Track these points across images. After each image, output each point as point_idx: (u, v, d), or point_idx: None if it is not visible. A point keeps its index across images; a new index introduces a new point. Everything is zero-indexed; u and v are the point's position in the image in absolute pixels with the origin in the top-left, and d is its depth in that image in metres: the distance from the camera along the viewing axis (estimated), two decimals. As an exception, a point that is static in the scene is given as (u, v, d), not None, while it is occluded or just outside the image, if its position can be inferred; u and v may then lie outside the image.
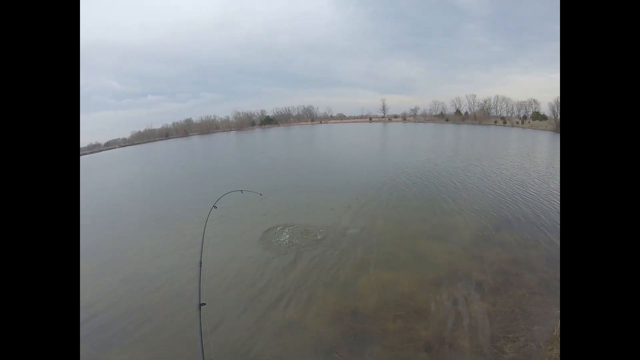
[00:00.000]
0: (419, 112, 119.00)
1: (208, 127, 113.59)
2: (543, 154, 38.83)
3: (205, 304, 3.91)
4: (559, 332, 7.48)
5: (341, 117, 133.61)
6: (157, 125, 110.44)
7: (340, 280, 10.59)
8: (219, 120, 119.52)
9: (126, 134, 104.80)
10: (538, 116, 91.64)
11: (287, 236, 14.44)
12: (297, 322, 8.74)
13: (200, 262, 5.05)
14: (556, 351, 7.01)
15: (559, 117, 68.62)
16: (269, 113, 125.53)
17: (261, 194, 13.91)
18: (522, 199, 18.24)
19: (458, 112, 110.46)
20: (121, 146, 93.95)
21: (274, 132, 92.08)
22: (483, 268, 10.62)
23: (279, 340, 8.12)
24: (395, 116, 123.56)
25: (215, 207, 8.31)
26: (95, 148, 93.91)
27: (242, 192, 11.52)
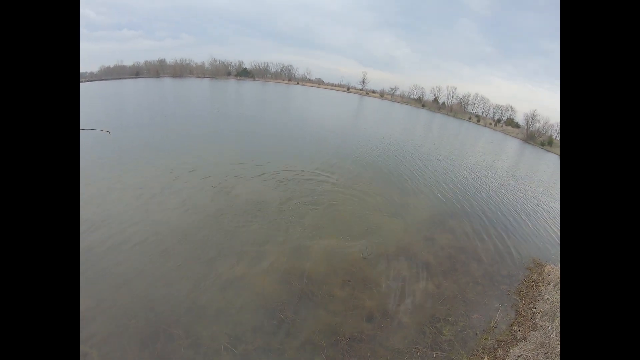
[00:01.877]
0: (397, 92, 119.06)
1: (181, 71, 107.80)
2: (510, 157, 40.36)
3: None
4: (496, 323, 7.99)
5: (319, 82, 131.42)
6: (129, 62, 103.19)
7: (294, 243, 10.65)
8: (194, 65, 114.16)
9: (94, 68, 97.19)
10: (511, 123, 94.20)
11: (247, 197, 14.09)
12: (244, 278, 8.77)
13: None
14: (491, 340, 7.49)
15: (530, 128, 71.53)
16: (247, 65, 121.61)
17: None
18: (485, 195, 18.92)
19: (436, 100, 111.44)
20: (87, 80, 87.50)
21: (249, 86, 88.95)
22: (433, 250, 11.03)
23: (224, 294, 8.11)
24: (373, 91, 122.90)
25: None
26: None
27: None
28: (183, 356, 6.55)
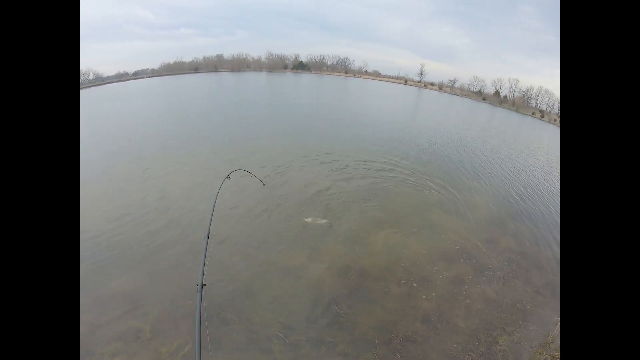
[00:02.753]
0: (457, 85, 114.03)
1: (239, 65, 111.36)
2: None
3: (205, 284, 3.67)
4: (553, 338, 7.52)
5: (376, 74, 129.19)
6: (188, 59, 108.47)
7: (354, 234, 10.67)
8: (251, 60, 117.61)
9: (155, 65, 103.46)
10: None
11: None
12: (301, 267, 8.93)
13: (208, 234, 4.58)
14: (546, 356, 7.05)
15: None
16: (303, 58, 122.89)
17: (264, 184, 13.57)
18: (548, 199, 17.72)
19: (497, 93, 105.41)
20: (149, 76, 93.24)
21: (307, 78, 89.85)
22: (494, 254, 10.55)
23: (280, 281, 8.33)
24: (432, 84, 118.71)
25: (228, 177, 8.39)
26: (123, 77, 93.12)
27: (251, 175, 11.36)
28: (234, 340, 6.85)
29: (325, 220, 11.24)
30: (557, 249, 11.69)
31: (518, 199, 16.26)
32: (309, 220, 11.17)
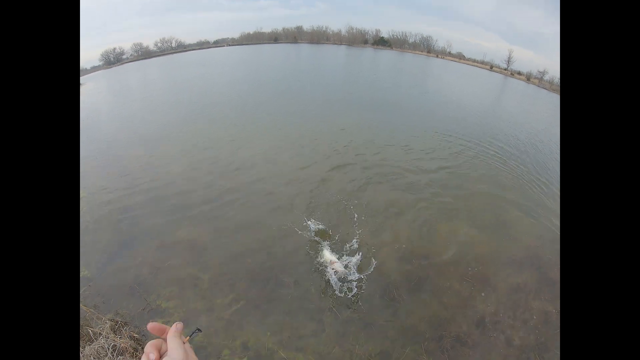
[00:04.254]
0: (546, 77, 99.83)
1: (318, 37, 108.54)
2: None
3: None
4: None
5: (460, 57, 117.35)
6: (267, 29, 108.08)
7: (423, 221, 10.51)
8: (330, 32, 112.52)
9: (236, 35, 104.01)
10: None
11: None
12: (365, 246, 9.17)
13: None
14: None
15: None
16: (384, 34, 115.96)
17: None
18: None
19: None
20: (229, 45, 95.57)
21: (388, 55, 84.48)
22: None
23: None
24: (519, 73, 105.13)
25: None
26: (204, 45, 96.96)
27: None
28: (289, 304, 7.39)
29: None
30: None
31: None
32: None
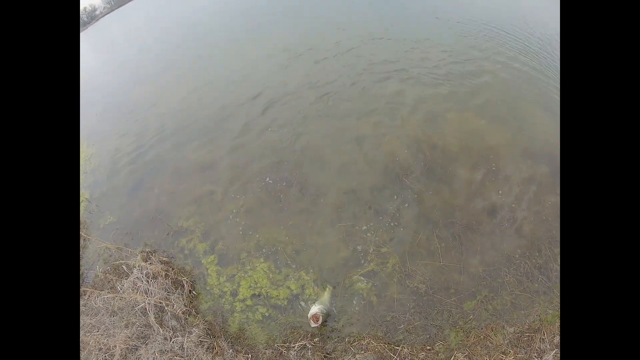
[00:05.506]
0: None
1: None
2: None
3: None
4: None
5: None
6: None
7: (432, 109, 9.73)
8: None
9: None
10: None
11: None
12: (372, 136, 8.59)
13: None
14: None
15: None
16: None
17: None
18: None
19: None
20: None
21: None
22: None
23: (349, 148, 8.24)
24: None
25: None
26: None
27: None
28: (300, 202, 7.35)
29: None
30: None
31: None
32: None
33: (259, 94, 11.45)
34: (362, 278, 6.21)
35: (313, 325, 5.54)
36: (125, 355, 5.55)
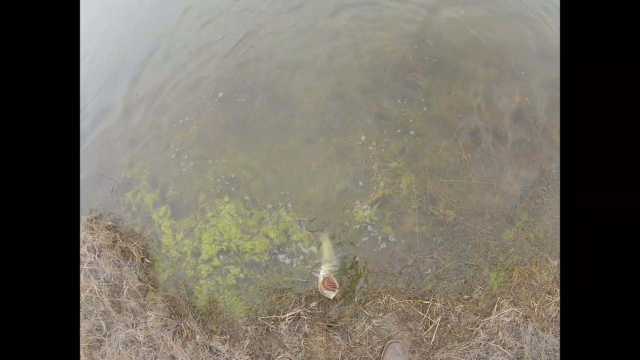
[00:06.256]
0: None
1: None
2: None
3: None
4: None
5: None
6: None
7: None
8: None
9: None
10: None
11: None
12: (358, 30, 6.36)
13: None
14: None
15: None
16: None
17: None
18: None
19: None
20: None
21: None
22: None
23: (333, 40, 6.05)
24: None
25: None
26: None
27: None
28: (262, 119, 5.36)
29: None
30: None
31: None
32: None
33: None
34: (367, 207, 4.28)
35: (331, 295, 3.59)
36: (90, 355, 4.17)
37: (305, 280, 4.11)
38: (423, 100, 5.23)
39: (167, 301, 4.37)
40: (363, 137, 4.73)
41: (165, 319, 4.19)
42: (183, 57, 6.91)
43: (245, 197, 4.64)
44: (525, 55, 6.87)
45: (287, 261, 4.14)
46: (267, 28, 6.65)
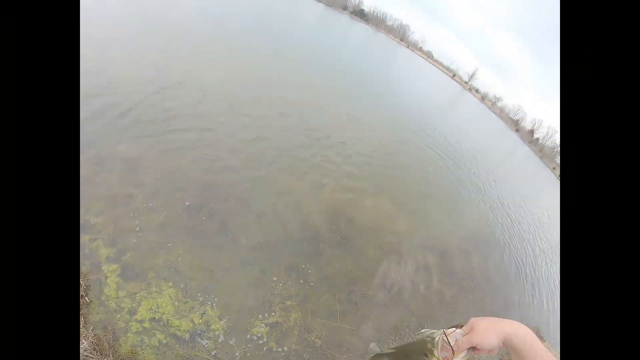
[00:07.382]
0: (499, 104, 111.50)
1: None
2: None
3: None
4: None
5: (429, 55, 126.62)
6: None
7: (355, 186, 11.18)
8: None
9: None
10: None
11: None
12: (299, 194, 9.50)
13: None
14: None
15: None
16: (365, 7, 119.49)
17: None
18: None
19: (531, 132, 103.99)
20: None
21: (360, 28, 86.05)
22: (463, 265, 11.28)
23: (275, 198, 8.90)
24: (477, 90, 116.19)
25: None
26: None
27: None
28: (213, 236, 7.61)
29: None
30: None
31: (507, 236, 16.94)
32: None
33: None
34: (263, 325, 6.53)
35: None
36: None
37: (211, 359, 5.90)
38: (324, 263, 7.99)
39: (94, 338, 5.09)
40: (275, 278, 7.24)
41: (88, 351, 4.80)
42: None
43: (185, 289, 6.38)
44: (408, 243, 10.09)
45: (204, 342, 5.83)
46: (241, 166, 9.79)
